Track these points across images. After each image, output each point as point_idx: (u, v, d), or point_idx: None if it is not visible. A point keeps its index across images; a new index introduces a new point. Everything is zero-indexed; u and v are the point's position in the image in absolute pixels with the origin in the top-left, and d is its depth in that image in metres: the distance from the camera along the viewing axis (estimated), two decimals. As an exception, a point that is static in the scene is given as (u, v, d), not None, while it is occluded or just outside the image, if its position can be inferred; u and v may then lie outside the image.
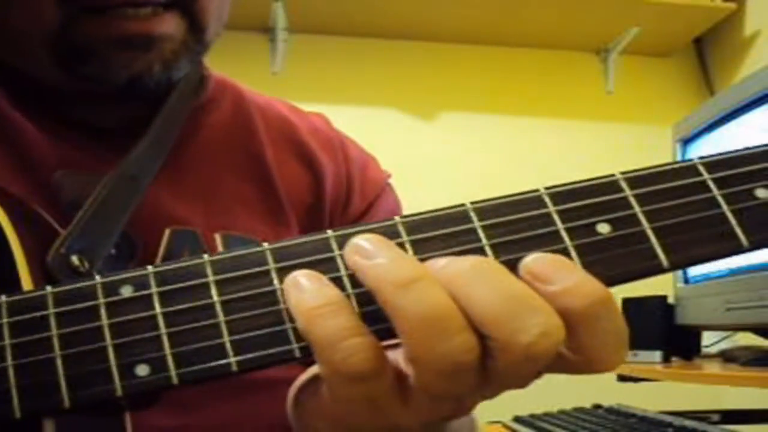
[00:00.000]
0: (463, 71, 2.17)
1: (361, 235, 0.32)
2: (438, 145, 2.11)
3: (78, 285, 0.34)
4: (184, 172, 0.55)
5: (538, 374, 0.33)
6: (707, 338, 1.49)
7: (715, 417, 1.22)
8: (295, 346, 0.32)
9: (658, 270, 0.33)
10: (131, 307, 0.33)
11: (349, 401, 0.32)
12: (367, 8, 2.00)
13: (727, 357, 1.29)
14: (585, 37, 2.16)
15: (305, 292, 0.31)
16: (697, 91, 2.21)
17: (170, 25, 0.50)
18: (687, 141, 1.40)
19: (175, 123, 0.56)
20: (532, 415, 1.27)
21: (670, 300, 1.37)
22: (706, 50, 2.22)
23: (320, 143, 0.64)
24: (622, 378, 1.39)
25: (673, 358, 1.37)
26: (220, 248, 0.54)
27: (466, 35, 2.14)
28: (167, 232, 0.52)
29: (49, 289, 0.34)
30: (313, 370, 0.38)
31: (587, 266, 0.32)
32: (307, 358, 0.32)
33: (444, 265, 0.31)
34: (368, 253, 0.31)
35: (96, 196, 0.48)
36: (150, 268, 0.34)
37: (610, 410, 1.27)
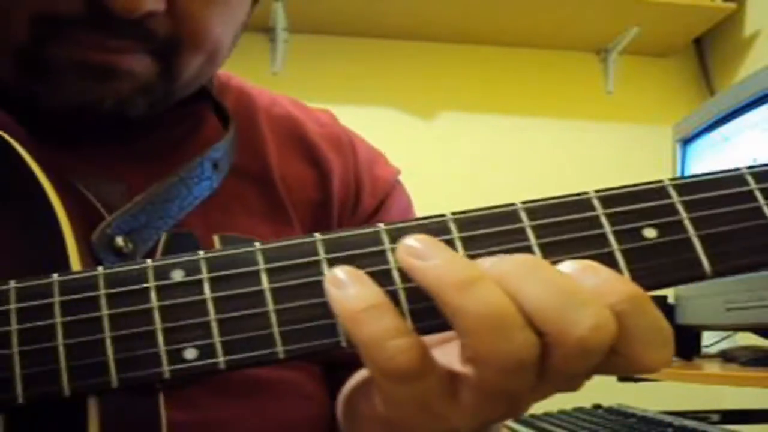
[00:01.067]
0: (463, 71, 2.17)
1: (411, 236, 0.32)
2: (438, 145, 2.11)
3: (129, 267, 0.34)
4: None
5: (588, 375, 0.33)
6: (707, 338, 1.49)
7: (715, 417, 1.22)
8: (342, 338, 0.33)
9: (701, 278, 0.34)
10: (181, 291, 0.34)
11: (399, 402, 0.32)
12: (366, 8, 2.00)
13: (727, 357, 1.29)
14: (585, 37, 2.16)
15: (348, 293, 0.32)
16: (697, 91, 2.21)
17: (138, 64, 0.48)
18: (687, 141, 1.40)
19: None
20: (532, 415, 1.27)
21: (670, 300, 1.37)
22: (706, 50, 2.22)
23: (327, 140, 0.63)
24: (622, 378, 1.39)
25: (673, 358, 1.36)
26: None
27: (466, 35, 2.14)
28: (164, 234, 0.52)
29: (100, 269, 0.34)
30: (363, 373, 0.38)
31: (632, 270, 0.33)
32: (353, 348, 0.33)
33: (494, 263, 0.31)
34: (421, 253, 0.32)
35: (165, 182, 0.48)
36: (201, 253, 0.35)
37: (610, 410, 1.27)
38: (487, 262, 0.32)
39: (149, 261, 0.34)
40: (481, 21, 2.07)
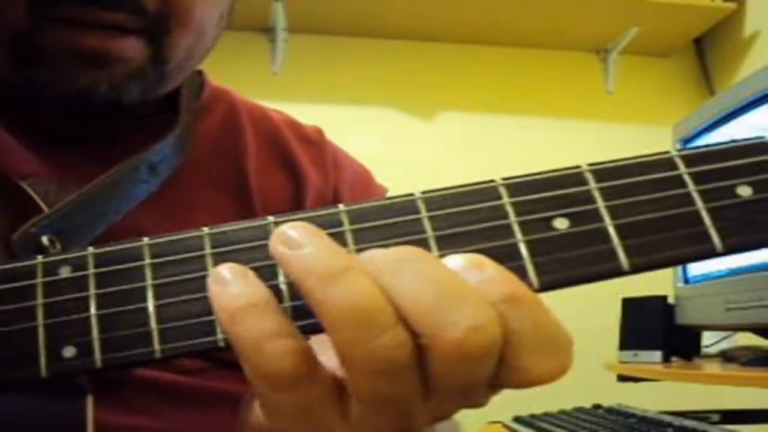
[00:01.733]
0: (463, 71, 2.17)
1: (289, 224, 0.30)
2: (438, 145, 2.11)
3: (20, 264, 0.34)
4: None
5: (492, 389, 0.30)
6: (707, 338, 1.49)
7: (715, 417, 1.22)
8: (220, 336, 0.31)
9: (617, 273, 0.30)
10: (67, 287, 0.33)
11: (280, 412, 0.30)
12: (367, 8, 2.00)
13: (727, 357, 1.29)
14: (585, 37, 2.16)
15: (229, 289, 0.29)
16: (697, 91, 2.21)
17: (131, 48, 0.50)
18: (687, 141, 1.40)
19: (190, 124, 0.56)
20: (532, 415, 1.27)
21: (670, 300, 1.37)
22: (706, 50, 2.22)
23: (309, 155, 0.64)
24: (622, 378, 1.39)
25: (673, 358, 1.37)
26: None
27: (466, 35, 2.14)
28: None
29: None
30: None
31: (537, 264, 0.30)
32: (231, 350, 0.31)
33: (371, 255, 0.29)
34: (294, 242, 0.29)
35: (98, 183, 0.47)
36: (90, 249, 0.33)
37: (610, 410, 1.27)
38: (364, 254, 0.29)
39: (40, 257, 0.33)
40: (481, 21, 2.07)
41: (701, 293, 1.27)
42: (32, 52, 0.48)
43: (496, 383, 0.29)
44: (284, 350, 0.28)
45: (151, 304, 0.32)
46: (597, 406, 1.32)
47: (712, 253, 0.30)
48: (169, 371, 0.50)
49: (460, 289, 0.28)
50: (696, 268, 1.33)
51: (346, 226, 0.32)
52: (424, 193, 0.32)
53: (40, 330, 0.32)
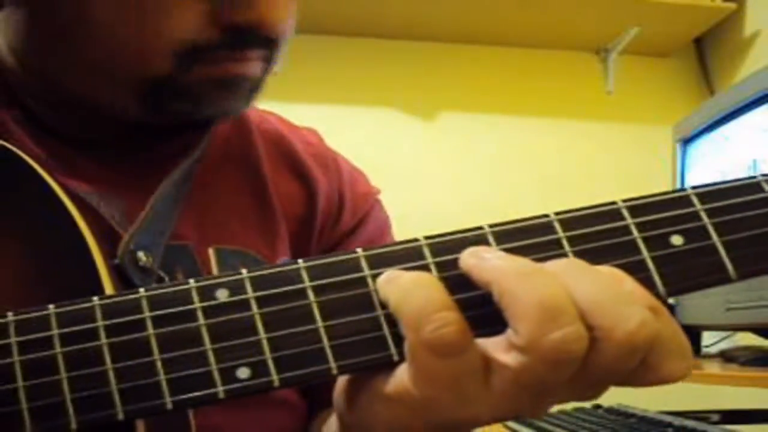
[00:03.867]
0: (463, 71, 2.17)
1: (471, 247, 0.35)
2: (438, 145, 2.11)
3: (172, 288, 0.34)
4: None
5: (617, 384, 0.34)
6: (707, 338, 1.49)
7: (715, 417, 1.22)
8: (393, 351, 0.33)
9: (726, 281, 0.35)
10: (228, 310, 0.34)
11: (432, 379, 0.33)
12: (367, 8, 2.00)
13: (727, 357, 1.29)
14: (585, 37, 2.16)
15: (397, 274, 0.34)
16: (697, 91, 2.21)
17: (257, 68, 0.53)
18: (687, 141, 1.40)
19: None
20: (532, 415, 1.27)
21: (670, 300, 1.37)
22: (706, 50, 2.22)
23: (314, 159, 0.66)
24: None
25: (673, 358, 1.36)
26: (213, 263, 0.55)
27: (466, 35, 2.14)
28: (161, 247, 0.53)
29: (142, 291, 0.34)
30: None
31: (662, 275, 0.35)
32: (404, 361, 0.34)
33: (549, 263, 0.34)
34: (481, 255, 0.34)
35: (157, 197, 0.50)
36: (245, 272, 0.35)
37: (610, 410, 1.27)
38: (544, 264, 0.34)
39: (192, 281, 0.35)
40: (481, 21, 2.07)
41: (701, 293, 1.27)
42: (177, 88, 0.50)
43: (628, 379, 0.33)
44: (447, 319, 0.32)
45: (320, 324, 0.34)
46: (597, 406, 1.32)
47: None
48: None
49: (626, 291, 0.33)
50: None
51: (494, 246, 0.35)
52: (557, 214, 0.36)
53: (210, 353, 0.33)
